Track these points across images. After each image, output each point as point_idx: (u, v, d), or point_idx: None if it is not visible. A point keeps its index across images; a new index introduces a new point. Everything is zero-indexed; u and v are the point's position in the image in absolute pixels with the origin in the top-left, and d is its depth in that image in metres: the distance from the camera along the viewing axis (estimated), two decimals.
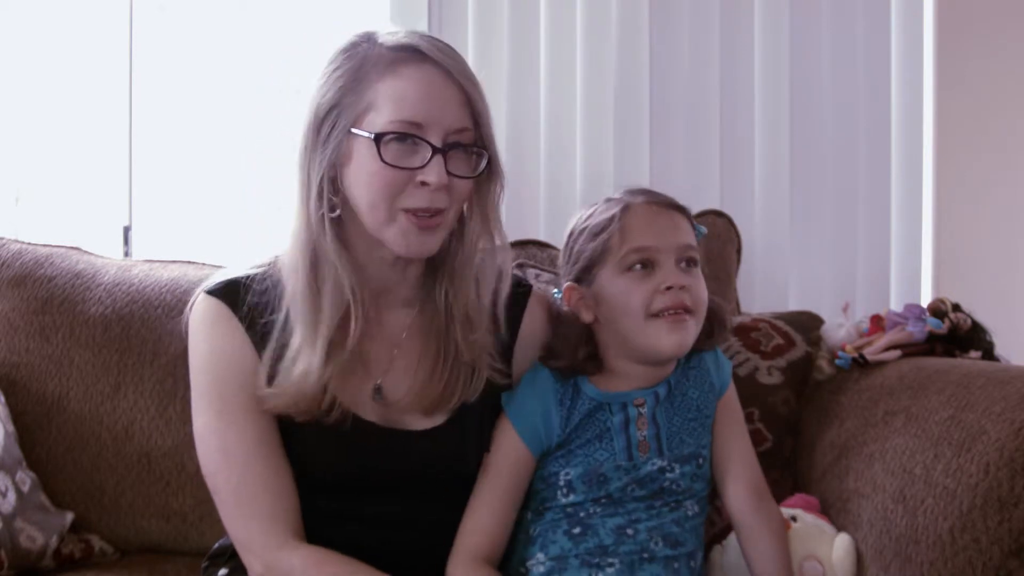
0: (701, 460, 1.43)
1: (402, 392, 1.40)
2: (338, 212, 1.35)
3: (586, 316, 1.42)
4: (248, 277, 1.39)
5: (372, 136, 1.30)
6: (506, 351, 1.45)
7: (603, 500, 1.39)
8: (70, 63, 2.43)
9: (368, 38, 1.36)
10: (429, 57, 1.32)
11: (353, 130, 1.32)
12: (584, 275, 1.42)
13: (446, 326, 1.41)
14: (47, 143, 2.45)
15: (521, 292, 1.49)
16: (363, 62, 1.33)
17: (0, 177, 2.45)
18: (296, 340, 1.34)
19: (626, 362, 1.41)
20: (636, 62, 2.24)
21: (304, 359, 1.33)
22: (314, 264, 1.34)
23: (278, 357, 1.35)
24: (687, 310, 1.37)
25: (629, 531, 1.37)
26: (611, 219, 1.40)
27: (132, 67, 2.44)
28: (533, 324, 1.48)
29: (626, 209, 1.41)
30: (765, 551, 1.43)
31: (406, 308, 1.44)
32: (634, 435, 1.40)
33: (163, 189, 2.47)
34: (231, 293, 1.38)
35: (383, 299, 1.42)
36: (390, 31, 1.36)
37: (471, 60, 2.24)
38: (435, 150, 1.31)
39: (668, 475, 1.39)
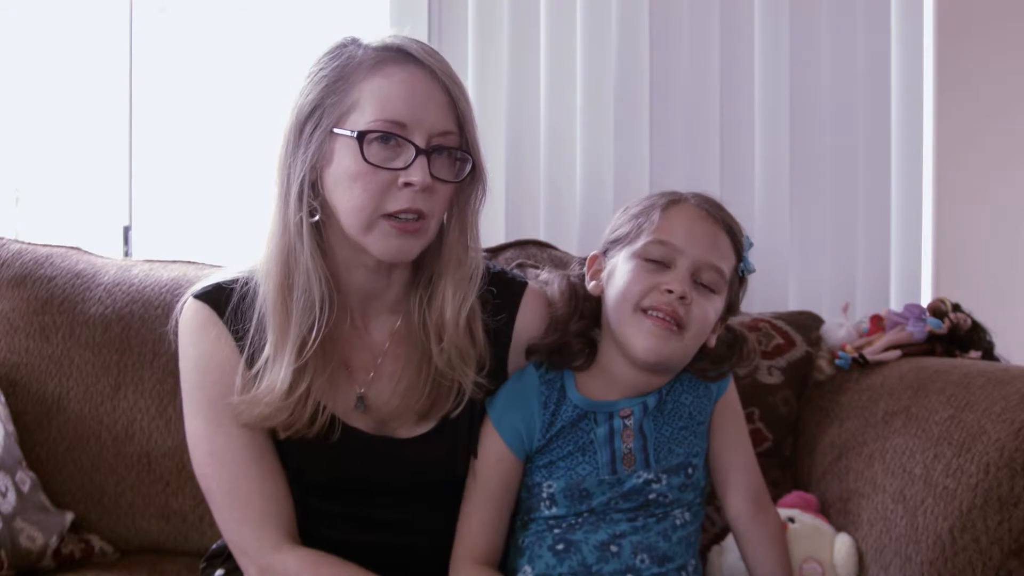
0: (691, 469, 1.38)
1: (385, 399, 1.39)
2: (317, 217, 1.32)
3: (595, 288, 1.39)
4: (235, 280, 1.38)
5: (355, 135, 1.28)
6: (499, 355, 1.42)
7: (585, 513, 1.35)
8: (70, 63, 2.43)
9: (353, 40, 1.34)
10: (414, 57, 1.30)
11: (336, 130, 1.29)
12: (611, 247, 1.39)
13: (422, 334, 1.39)
14: (47, 143, 2.45)
15: (514, 291, 1.46)
16: (347, 62, 1.31)
17: (0, 177, 2.45)
18: (267, 350, 1.33)
19: (616, 359, 1.37)
20: (636, 62, 2.24)
21: (272, 370, 1.31)
22: (287, 270, 1.32)
23: (251, 366, 1.34)
24: (678, 323, 1.31)
25: (613, 548, 1.33)
26: (654, 206, 1.38)
27: (132, 68, 2.44)
28: (529, 321, 1.44)
29: (674, 203, 1.38)
30: (764, 559, 1.41)
31: (391, 315, 1.42)
32: (619, 448, 1.36)
33: (163, 189, 2.47)
34: (218, 297, 1.37)
35: (369, 306, 1.40)
36: (376, 36, 1.35)
37: (471, 61, 2.25)
38: (419, 151, 1.29)
39: (655, 487, 1.35)
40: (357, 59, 1.31)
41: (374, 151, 1.28)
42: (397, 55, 1.31)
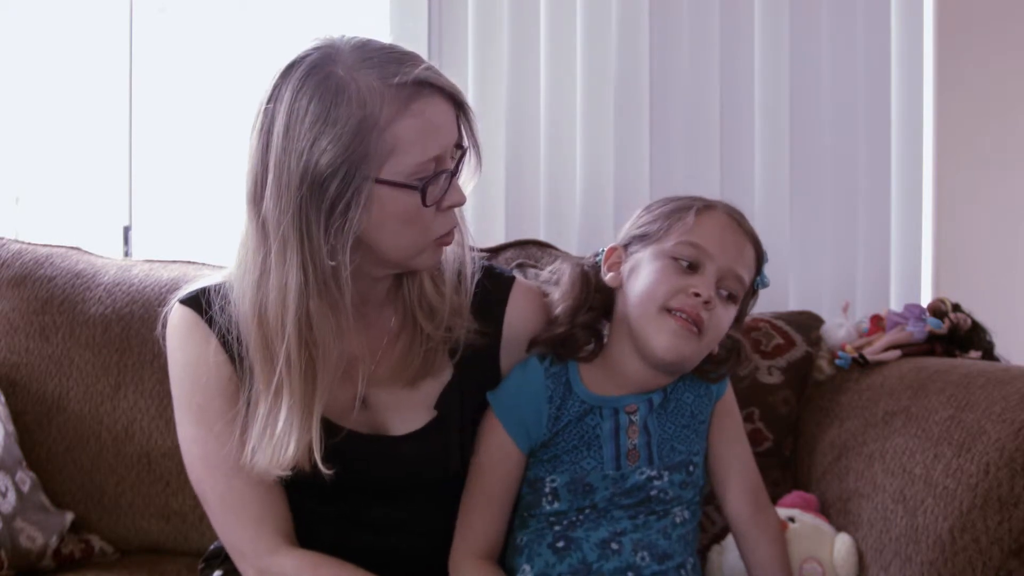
0: (692, 467, 1.38)
1: (382, 385, 1.38)
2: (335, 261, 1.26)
3: (613, 280, 1.39)
4: (221, 284, 1.36)
5: (417, 185, 1.25)
6: (491, 348, 1.42)
7: (587, 509, 1.36)
8: (70, 64, 2.44)
9: (340, 69, 1.24)
10: (434, 85, 1.26)
11: (383, 180, 1.24)
12: (634, 243, 1.39)
13: (413, 315, 1.39)
14: (47, 143, 2.45)
15: (501, 285, 1.45)
16: (363, 107, 1.22)
17: (0, 177, 2.45)
18: (281, 412, 1.27)
19: (628, 355, 1.37)
20: (636, 62, 2.24)
21: (295, 436, 1.26)
22: (308, 326, 1.26)
23: (239, 369, 1.33)
24: (698, 326, 1.32)
25: (614, 545, 1.34)
26: (689, 209, 1.38)
27: (132, 68, 2.44)
28: (519, 316, 1.43)
29: (708, 208, 1.39)
30: (764, 559, 1.42)
31: (384, 310, 1.41)
32: (624, 443, 1.36)
33: (163, 189, 2.47)
34: (204, 302, 1.36)
35: (362, 307, 1.38)
36: (352, 54, 1.26)
37: (471, 61, 2.25)
38: (451, 173, 1.29)
39: (656, 483, 1.36)
40: (374, 102, 1.22)
41: (429, 192, 1.27)
42: (419, 88, 1.25)
